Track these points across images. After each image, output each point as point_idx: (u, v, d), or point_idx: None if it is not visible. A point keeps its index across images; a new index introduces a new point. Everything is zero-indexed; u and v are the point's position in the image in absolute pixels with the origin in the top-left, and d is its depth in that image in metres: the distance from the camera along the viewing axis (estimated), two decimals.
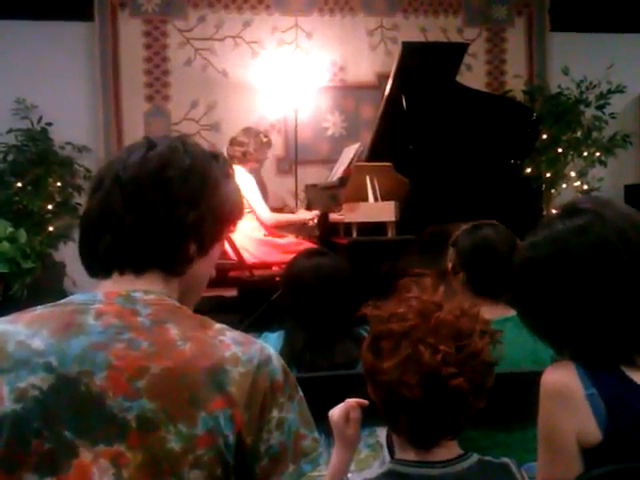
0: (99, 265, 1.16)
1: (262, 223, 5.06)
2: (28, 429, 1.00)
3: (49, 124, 6.03)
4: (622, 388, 1.31)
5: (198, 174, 1.17)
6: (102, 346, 1.04)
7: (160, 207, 1.13)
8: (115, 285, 1.13)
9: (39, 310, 1.10)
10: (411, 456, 1.27)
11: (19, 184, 5.81)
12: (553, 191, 6.60)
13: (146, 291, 1.12)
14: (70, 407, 1.01)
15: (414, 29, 6.91)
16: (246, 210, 5.02)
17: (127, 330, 1.06)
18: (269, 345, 2.17)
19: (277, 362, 1.12)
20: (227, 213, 1.22)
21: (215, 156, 1.24)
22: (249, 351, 1.10)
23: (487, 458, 1.29)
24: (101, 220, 1.14)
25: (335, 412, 1.53)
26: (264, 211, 5.06)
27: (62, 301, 1.11)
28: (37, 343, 1.04)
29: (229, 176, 1.25)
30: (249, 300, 5.06)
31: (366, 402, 1.49)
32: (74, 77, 6.31)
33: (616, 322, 1.33)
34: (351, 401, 1.54)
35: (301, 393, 1.14)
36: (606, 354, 1.34)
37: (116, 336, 1.05)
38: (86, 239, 1.17)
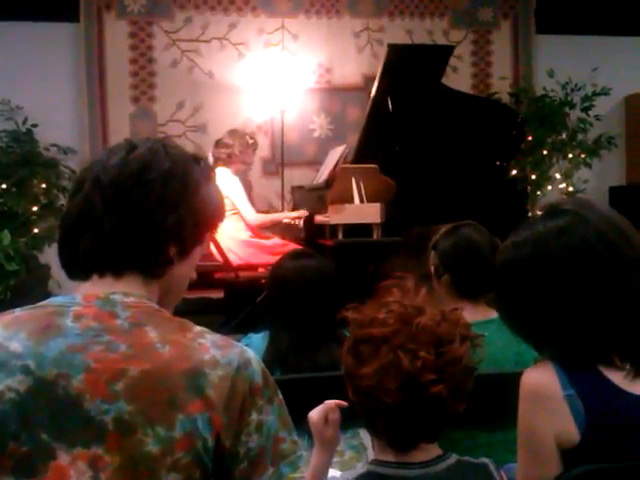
0: (78, 267, 1.15)
1: (247, 224, 5.06)
2: (4, 432, 0.99)
3: (34, 125, 6.02)
4: (600, 389, 1.32)
5: (178, 177, 1.17)
6: (80, 348, 1.04)
7: (140, 209, 1.13)
8: (94, 287, 1.13)
9: (17, 312, 1.09)
10: (390, 457, 1.27)
11: (4, 186, 5.79)
12: (538, 193, 6.63)
13: (125, 293, 1.11)
14: (48, 410, 1.01)
15: (400, 31, 6.93)
16: (231, 211, 5.04)
17: (105, 333, 1.06)
18: (253, 345, 2.17)
19: (256, 365, 1.12)
20: (208, 216, 1.22)
21: (197, 159, 1.24)
22: (228, 354, 1.09)
23: (466, 458, 1.30)
24: (80, 222, 1.13)
25: (314, 414, 1.54)
26: (249, 212, 5.06)
27: (40, 303, 1.11)
28: (15, 345, 1.03)
29: (210, 179, 1.24)
30: (235, 302, 5.06)
31: (345, 403, 1.49)
32: (60, 78, 6.29)
33: (594, 322, 1.34)
34: (330, 402, 1.55)
35: (280, 396, 1.14)
36: (584, 354, 1.35)
37: (94, 339, 1.05)
38: (65, 241, 1.16)
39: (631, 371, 1.34)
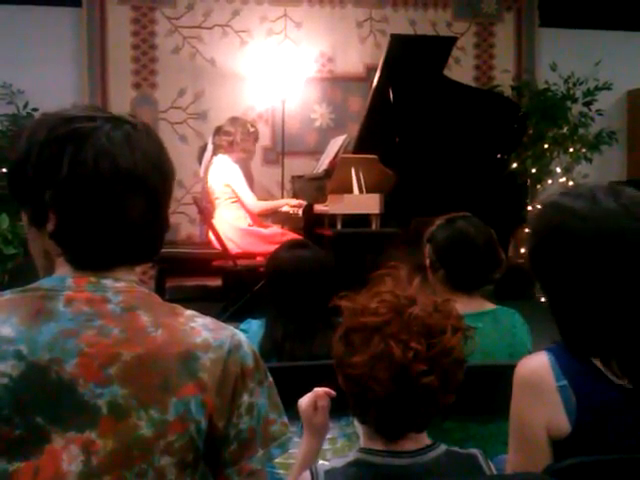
0: (75, 260, 1.12)
1: (248, 211, 5.08)
2: None
3: (35, 110, 5.98)
4: (593, 381, 1.32)
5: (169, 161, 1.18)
6: (72, 333, 1.04)
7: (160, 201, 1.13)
8: (85, 271, 1.10)
9: (8, 295, 1.09)
10: (379, 446, 1.28)
11: (4, 169, 5.78)
12: (538, 186, 6.62)
13: (116, 278, 1.11)
14: (41, 394, 1.01)
15: (403, 22, 6.90)
16: (231, 199, 5.05)
17: (97, 317, 1.06)
18: (252, 331, 2.17)
19: (247, 348, 1.13)
20: None
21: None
22: (220, 337, 1.10)
23: (454, 449, 1.30)
24: (98, 215, 1.08)
25: (303, 401, 1.55)
26: (250, 199, 5.08)
27: (31, 286, 1.10)
28: (7, 330, 1.03)
29: None
30: (233, 290, 5.07)
31: (333, 392, 1.50)
32: (61, 63, 6.27)
33: (618, 312, 1.31)
34: (319, 390, 1.56)
35: (270, 378, 1.15)
36: (586, 344, 1.34)
37: (86, 323, 1.05)
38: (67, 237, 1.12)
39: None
